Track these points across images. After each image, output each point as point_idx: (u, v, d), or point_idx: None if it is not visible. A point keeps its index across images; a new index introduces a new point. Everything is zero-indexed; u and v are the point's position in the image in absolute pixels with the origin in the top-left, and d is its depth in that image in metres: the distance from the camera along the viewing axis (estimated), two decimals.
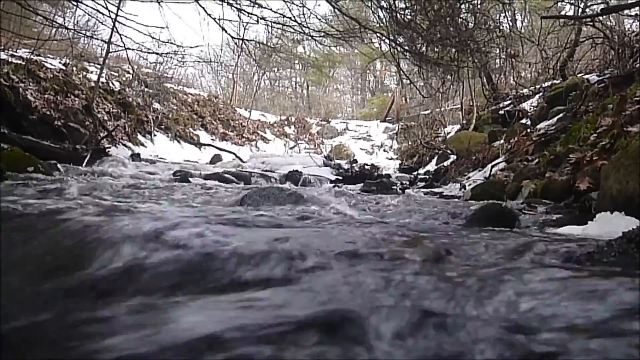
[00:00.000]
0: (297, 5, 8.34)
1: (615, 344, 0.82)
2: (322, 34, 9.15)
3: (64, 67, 12.23)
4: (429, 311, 0.97)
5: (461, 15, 7.70)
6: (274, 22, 9.19)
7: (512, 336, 0.85)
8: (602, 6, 7.09)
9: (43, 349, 0.90)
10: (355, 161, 13.02)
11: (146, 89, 15.02)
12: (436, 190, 7.15)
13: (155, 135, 14.06)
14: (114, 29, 9.65)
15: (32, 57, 10.95)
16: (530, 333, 0.86)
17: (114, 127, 11.78)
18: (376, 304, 1.02)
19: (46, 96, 10.05)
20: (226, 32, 9.28)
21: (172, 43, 11.10)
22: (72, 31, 11.66)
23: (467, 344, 0.83)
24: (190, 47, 15.26)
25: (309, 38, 9.48)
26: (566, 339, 0.85)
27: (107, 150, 9.05)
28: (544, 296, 1.06)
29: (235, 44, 10.44)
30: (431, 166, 11.07)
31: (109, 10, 9.07)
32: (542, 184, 4.41)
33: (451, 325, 0.89)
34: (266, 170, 9.50)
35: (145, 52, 11.47)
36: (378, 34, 8.47)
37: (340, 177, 8.95)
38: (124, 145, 11.99)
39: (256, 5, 8.45)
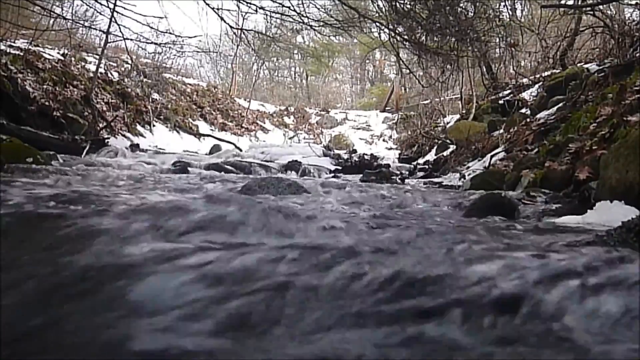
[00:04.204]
0: None
1: (615, 337, 0.83)
2: (322, 23, 9.12)
3: (62, 58, 12.20)
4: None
5: (461, 4, 7.67)
6: (273, 12, 9.17)
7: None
8: None
9: None
10: (355, 151, 13.00)
11: (145, 79, 14.98)
12: (436, 180, 7.16)
13: (154, 125, 14.04)
14: (112, 19, 9.63)
15: (30, 47, 10.92)
16: (527, 325, 0.87)
17: (113, 117, 11.76)
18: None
19: (45, 87, 10.02)
20: (225, 21, 9.28)
21: (170, 33, 11.11)
22: (71, 21, 11.62)
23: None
24: (189, 37, 15.24)
25: (308, 28, 9.46)
26: (565, 331, 0.85)
27: (106, 140, 9.04)
28: (541, 285, 1.06)
29: (234, 33, 10.43)
30: (430, 156, 11.06)
31: (107, 0, 9.05)
32: (541, 174, 4.41)
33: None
34: (265, 161, 9.49)
35: (143, 42, 11.46)
36: (377, 24, 8.44)
37: (339, 167, 8.94)
38: (123, 135, 11.97)
39: None
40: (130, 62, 14.36)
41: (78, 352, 0.84)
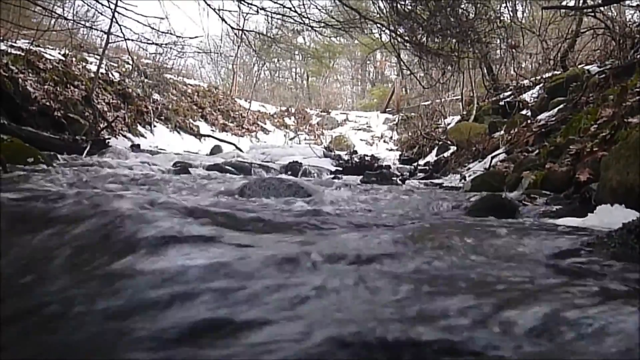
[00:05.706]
0: None
1: (616, 337, 0.83)
2: (322, 24, 9.12)
3: (63, 58, 12.21)
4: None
5: (462, 6, 7.67)
6: (274, 13, 9.17)
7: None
8: None
9: None
10: (355, 152, 13.01)
11: (146, 80, 15.00)
12: (436, 181, 7.16)
13: (155, 126, 14.05)
14: (114, 20, 9.63)
15: (31, 47, 10.93)
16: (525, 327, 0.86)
17: (114, 118, 11.77)
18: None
19: (46, 87, 10.03)
20: (226, 22, 9.29)
21: (171, 34, 11.12)
22: (72, 22, 11.63)
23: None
24: (190, 38, 15.29)
25: (309, 29, 9.46)
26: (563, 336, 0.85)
27: (106, 141, 9.04)
28: (540, 288, 1.06)
29: (235, 34, 10.43)
30: (431, 157, 11.06)
31: (109, 1, 9.05)
32: (542, 175, 4.41)
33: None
34: (266, 161, 9.50)
35: (144, 42, 11.46)
36: (378, 25, 8.44)
37: (340, 168, 8.95)
38: (124, 136, 11.99)
39: None
40: (131, 62, 14.37)
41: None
